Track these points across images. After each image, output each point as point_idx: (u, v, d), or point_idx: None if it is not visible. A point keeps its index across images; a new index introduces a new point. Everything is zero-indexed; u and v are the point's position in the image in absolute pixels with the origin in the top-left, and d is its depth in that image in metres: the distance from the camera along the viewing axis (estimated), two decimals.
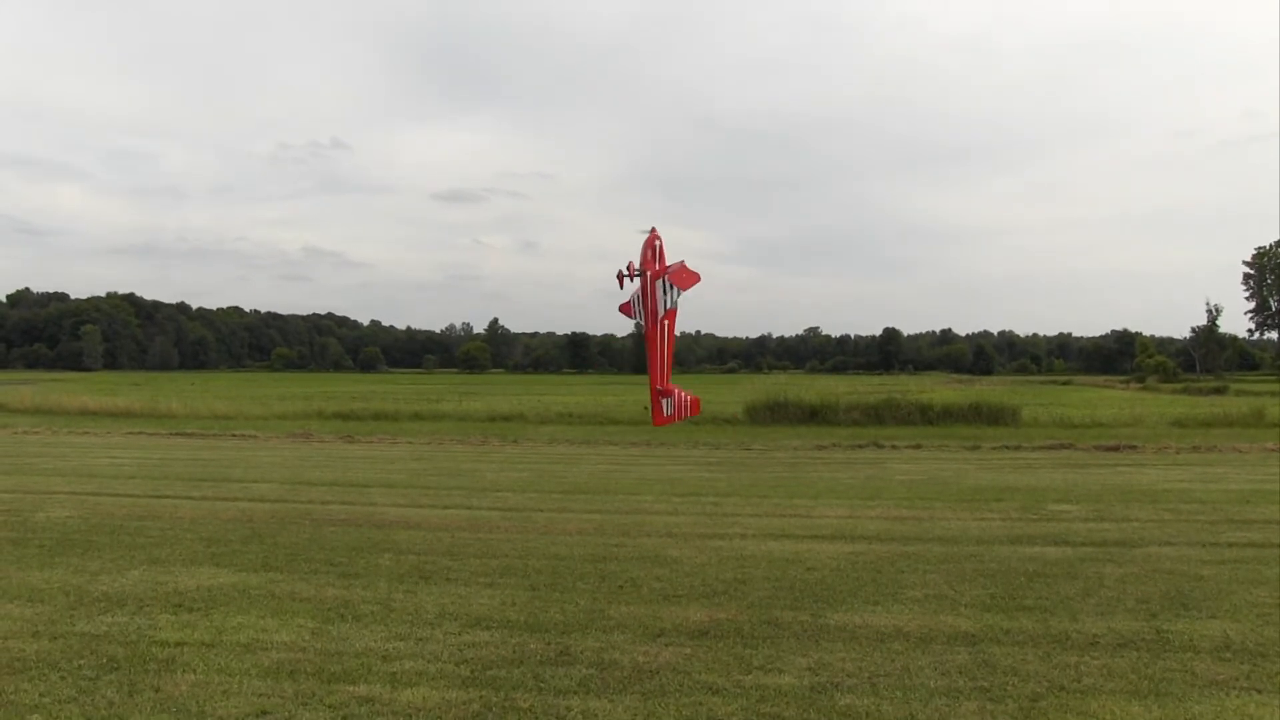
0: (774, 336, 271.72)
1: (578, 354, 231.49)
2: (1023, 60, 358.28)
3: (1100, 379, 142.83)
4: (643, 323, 13.03)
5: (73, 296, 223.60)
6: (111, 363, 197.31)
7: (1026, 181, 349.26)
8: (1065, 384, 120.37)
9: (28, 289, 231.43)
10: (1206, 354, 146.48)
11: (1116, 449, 26.68)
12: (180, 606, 8.72)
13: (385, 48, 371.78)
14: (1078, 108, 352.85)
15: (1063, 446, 27.41)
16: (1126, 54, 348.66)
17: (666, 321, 12.99)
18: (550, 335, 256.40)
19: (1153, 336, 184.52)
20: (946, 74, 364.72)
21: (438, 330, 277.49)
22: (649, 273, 13.05)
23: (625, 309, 14.03)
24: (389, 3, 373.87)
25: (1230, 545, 11.63)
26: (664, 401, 13.23)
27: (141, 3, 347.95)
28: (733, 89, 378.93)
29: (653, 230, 13.16)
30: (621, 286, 13.00)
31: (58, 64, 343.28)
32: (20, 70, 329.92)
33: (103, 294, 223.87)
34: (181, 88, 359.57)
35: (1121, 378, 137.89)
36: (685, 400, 13.52)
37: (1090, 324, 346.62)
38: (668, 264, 13.51)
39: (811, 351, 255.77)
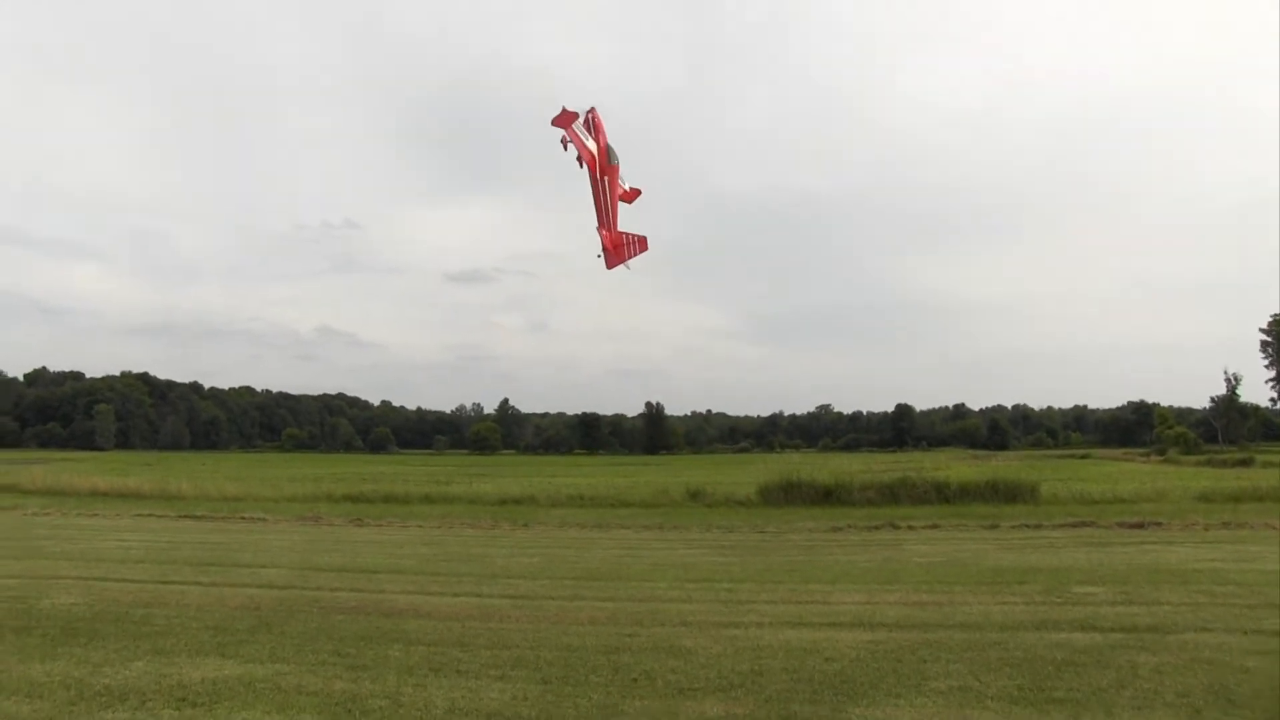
0: (785, 414, 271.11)
1: (589, 435, 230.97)
2: (1027, 133, 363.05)
3: (1119, 452, 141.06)
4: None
5: (88, 375, 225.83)
6: (124, 442, 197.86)
7: (1036, 254, 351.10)
8: (1084, 458, 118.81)
9: (44, 368, 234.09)
10: (1228, 424, 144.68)
11: (1141, 526, 26.10)
12: (184, 701, 8.49)
13: (398, 130, 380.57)
14: (1084, 179, 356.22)
15: (1084, 524, 26.86)
16: (1132, 123, 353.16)
17: (612, 176, 14.94)
18: (561, 415, 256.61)
19: (1171, 407, 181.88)
20: (951, 148, 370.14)
21: (448, 411, 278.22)
22: (594, 135, 15.33)
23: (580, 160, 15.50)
24: (402, 87, 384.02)
25: (1274, 633, 11.09)
26: (615, 246, 15.17)
27: (160, 86, 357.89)
28: (740, 166, 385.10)
29: (592, 109, 15.16)
30: (565, 146, 15.01)
31: (79, 146, 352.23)
32: (42, 152, 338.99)
33: (117, 373, 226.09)
34: (199, 169, 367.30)
35: (1141, 450, 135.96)
36: (633, 240, 15.21)
37: (1106, 396, 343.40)
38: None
39: (824, 429, 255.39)
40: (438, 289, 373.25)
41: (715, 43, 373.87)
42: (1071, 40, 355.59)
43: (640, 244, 15.89)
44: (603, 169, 15.25)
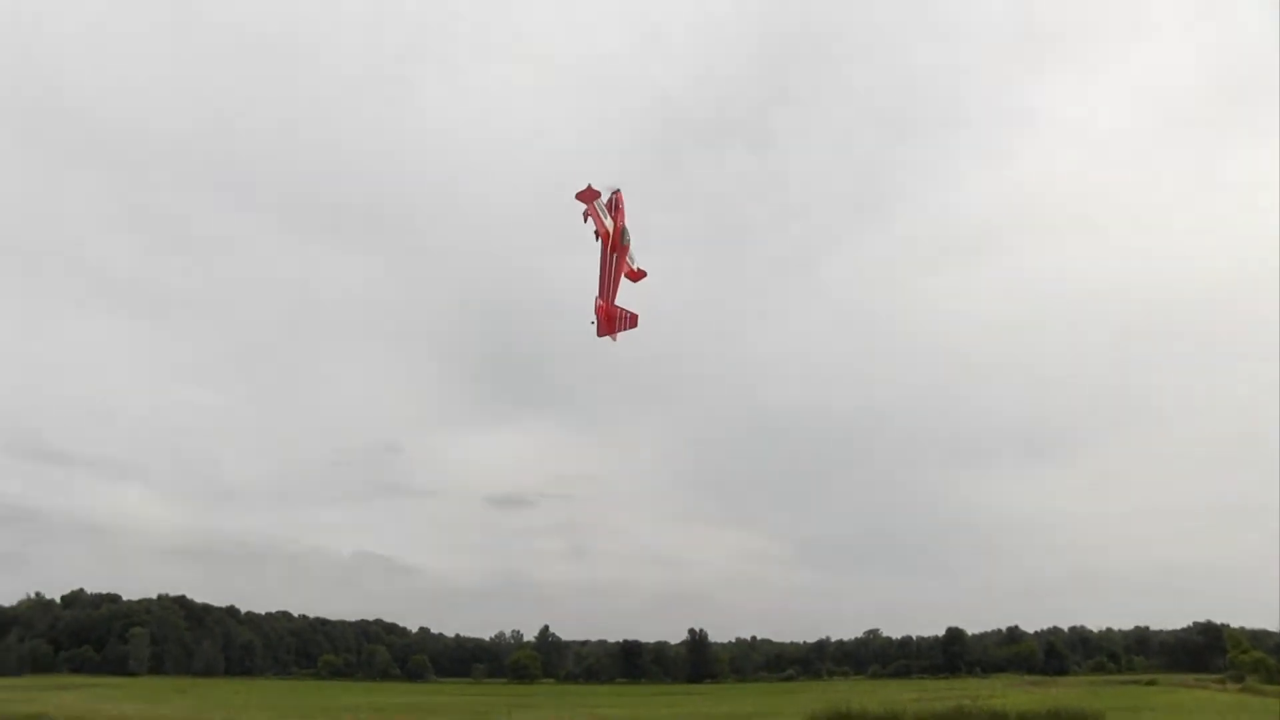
0: (833, 640, 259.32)
1: (631, 663, 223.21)
2: (1076, 349, 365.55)
3: (1189, 678, 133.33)
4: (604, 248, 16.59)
5: (125, 597, 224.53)
6: (158, 666, 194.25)
7: (1088, 471, 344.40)
8: (1150, 684, 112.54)
9: (82, 590, 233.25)
10: None
11: None
12: None
13: (440, 352, 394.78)
14: (1141, 392, 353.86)
15: None
16: (1189, 335, 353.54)
17: (621, 255, 16.63)
18: (602, 643, 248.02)
19: (1243, 629, 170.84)
20: (995, 366, 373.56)
21: (487, 638, 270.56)
22: (613, 215, 16.69)
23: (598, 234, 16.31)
24: (445, 310, 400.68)
25: None
26: (609, 318, 16.27)
27: (205, 313, 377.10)
28: (781, 384, 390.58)
29: (618, 192, 16.93)
30: (585, 219, 16.55)
31: (129, 370, 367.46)
32: (94, 376, 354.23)
33: (155, 595, 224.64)
34: (242, 393, 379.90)
35: (1215, 676, 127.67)
36: (626, 316, 16.63)
37: (1170, 616, 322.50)
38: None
39: (873, 655, 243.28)
40: (478, 512, 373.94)
41: (747, 269, 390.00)
42: (1127, 251, 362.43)
43: (631, 320, 17.47)
44: (614, 246, 17.19)
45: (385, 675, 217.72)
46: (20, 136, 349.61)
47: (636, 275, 18.04)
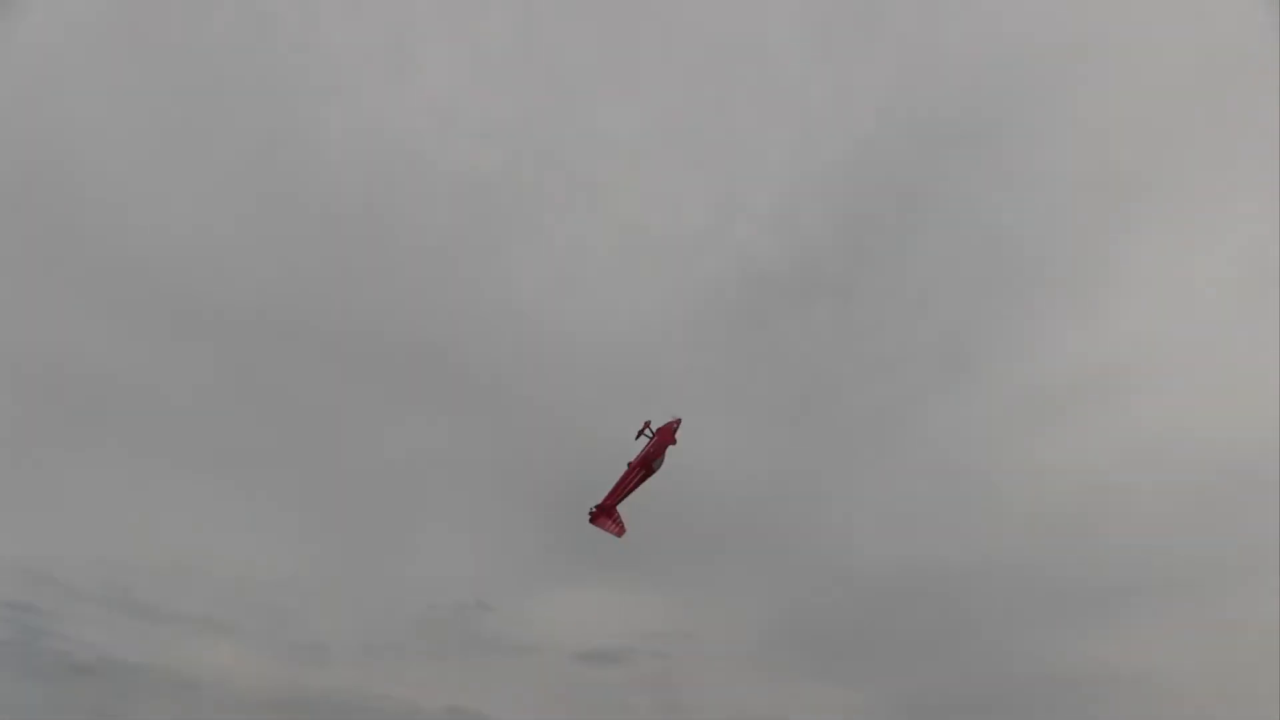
0: None
1: None
2: (1166, 501, 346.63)
3: None
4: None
5: None
6: None
7: (1202, 620, 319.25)
8: None
9: None
10: None
11: None
12: None
13: (532, 506, 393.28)
14: (1236, 540, 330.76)
15: None
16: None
17: (646, 475, 20.16)
18: None
19: None
20: (1100, 513, 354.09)
21: None
22: (658, 441, 20.10)
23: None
24: (534, 467, 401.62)
25: None
26: (603, 516, 19.62)
27: (292, 474, 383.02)
28: (875, 539, 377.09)
29: (678, 420, 20.50)
30: (636, 439, 20.09)
31: (222, 523, 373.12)
32: (187, 530, 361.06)
33: None
34: (333, 548, 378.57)
35: None
36: (616, 525, 19.89)
37: None
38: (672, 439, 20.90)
39: None
40: (567, 668, 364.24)
41: (834, 425, 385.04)
42: (1199, 409, 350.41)
43: (619, 529, 21.29)
44: (644, 468, 21.45)
45: None
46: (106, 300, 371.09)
47: (669, 430, 22.44)
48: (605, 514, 20.77)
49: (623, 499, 21.32)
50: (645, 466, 21.10)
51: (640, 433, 21.22)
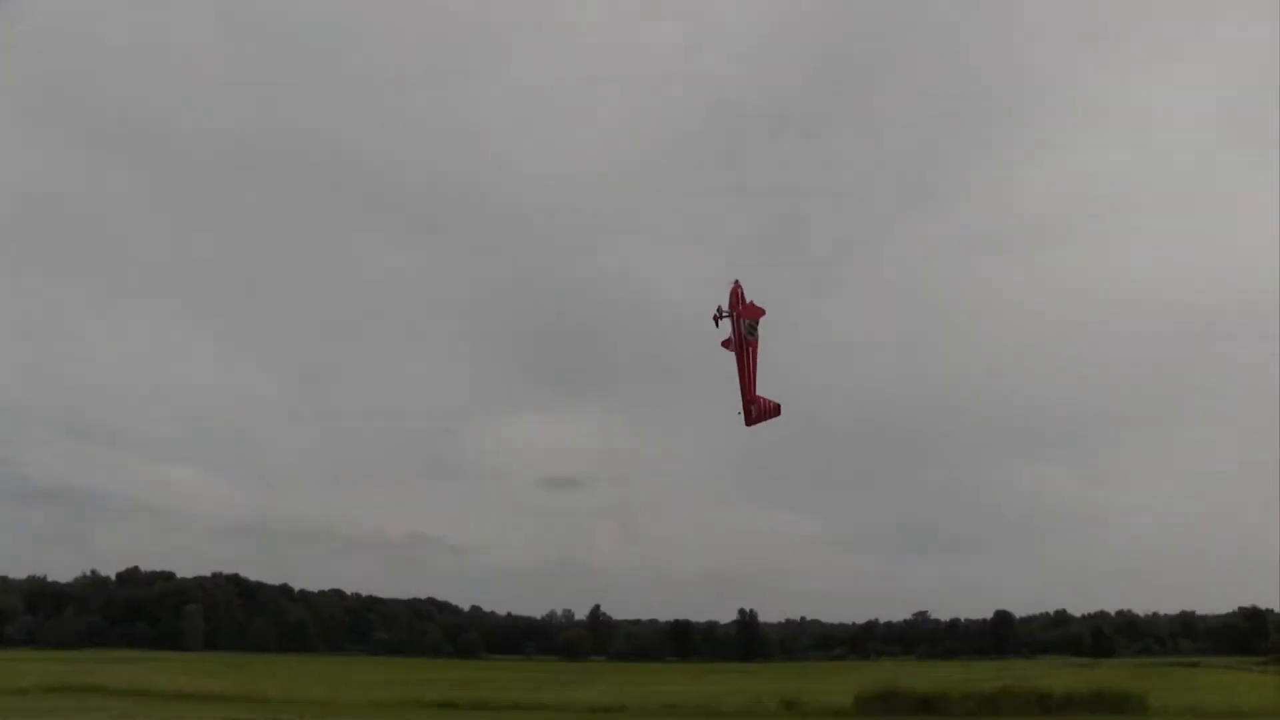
0: (881, 622, 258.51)
1: (681, 642, 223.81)
2: (1129, 341, 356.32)
3: (1233, 660, 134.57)
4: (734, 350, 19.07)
5: (179, 575, 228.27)
6: (211, 642, 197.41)
7: (1135, 456, 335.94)
8: (1193, 666, 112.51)
9: (137, 567, 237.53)
10: None
11: None
12: None
13: (495, 335, 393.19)
14: (1187, 383, 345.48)
15: None
16: (1234, 339, 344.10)
17: (750, 348, 18.42)
18: (653, 623, 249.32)
19: None
20: (1049, 359, 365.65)
21: (538, 616, 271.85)
22: (735, 313, 19.00)
23: (725, 344, 19.37)
24: (501, 296, 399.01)
25: None
26: (751, 408, 18.52)
27: (262, 303, 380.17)
28: (838, 371, 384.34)
29: (736, 281, 19.26)
30: (717, 325, 19.06)
31: (188, 352, 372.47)
32: (156, 355, 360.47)
33: (209, 573, 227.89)
34: (298, 377, 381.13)
35: (1257, 659, 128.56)
36: (768, 406, 18.41)
37: (1215, 601, 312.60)
38: (747, 303, 19.34)
39: (921, 636, 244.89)
40: (530, 494, 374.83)
41: (801, 257, 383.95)
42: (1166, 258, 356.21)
43: (774, 409, 17.65)
44: (744, 345, 17.84)
45: (437, 653, 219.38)
46: (84, 136, 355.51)
47: (755, 312, 19.67)
48: (757, 405, 19.13)
49: (755, 382, 19.47)
50: (744, 343, 19.32)
51: (717, 318, 19.78)
